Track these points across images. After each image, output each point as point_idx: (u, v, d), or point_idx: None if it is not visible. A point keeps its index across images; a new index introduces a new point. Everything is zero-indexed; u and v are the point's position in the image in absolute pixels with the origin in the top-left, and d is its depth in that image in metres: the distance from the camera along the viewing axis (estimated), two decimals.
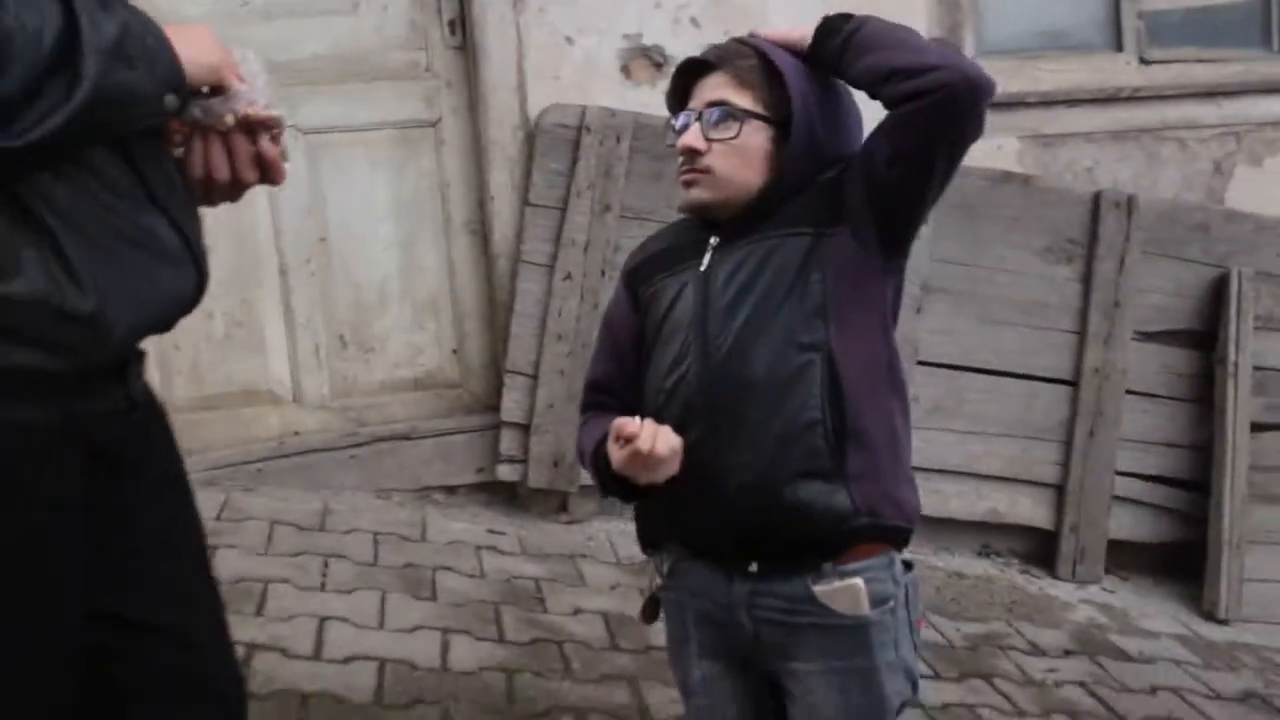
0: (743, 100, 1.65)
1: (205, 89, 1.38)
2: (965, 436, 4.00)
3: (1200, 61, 4.55)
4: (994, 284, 4.06)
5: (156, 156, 1.39)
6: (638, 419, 1.56)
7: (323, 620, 2.91)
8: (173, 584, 1.49)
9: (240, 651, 2.44)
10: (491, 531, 3.66)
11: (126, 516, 1.41)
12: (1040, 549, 4.18)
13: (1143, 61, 4.48)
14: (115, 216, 1.31)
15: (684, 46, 3.83)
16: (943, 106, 1.55)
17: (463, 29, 3.84)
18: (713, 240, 1.68)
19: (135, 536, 1.43)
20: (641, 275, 1.78)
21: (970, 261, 4.04)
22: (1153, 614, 3.94)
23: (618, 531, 3.81)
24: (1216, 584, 4.01)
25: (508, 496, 3.89)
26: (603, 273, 3.72)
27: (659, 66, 3.88)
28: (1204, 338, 4.21)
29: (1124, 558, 4.23)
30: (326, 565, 3.25)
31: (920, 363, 3.96)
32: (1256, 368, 4.13)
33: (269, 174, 1.46)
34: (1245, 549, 4.05)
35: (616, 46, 3.86)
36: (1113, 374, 4.11)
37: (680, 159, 1.69)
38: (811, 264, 1.62)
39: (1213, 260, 4.21)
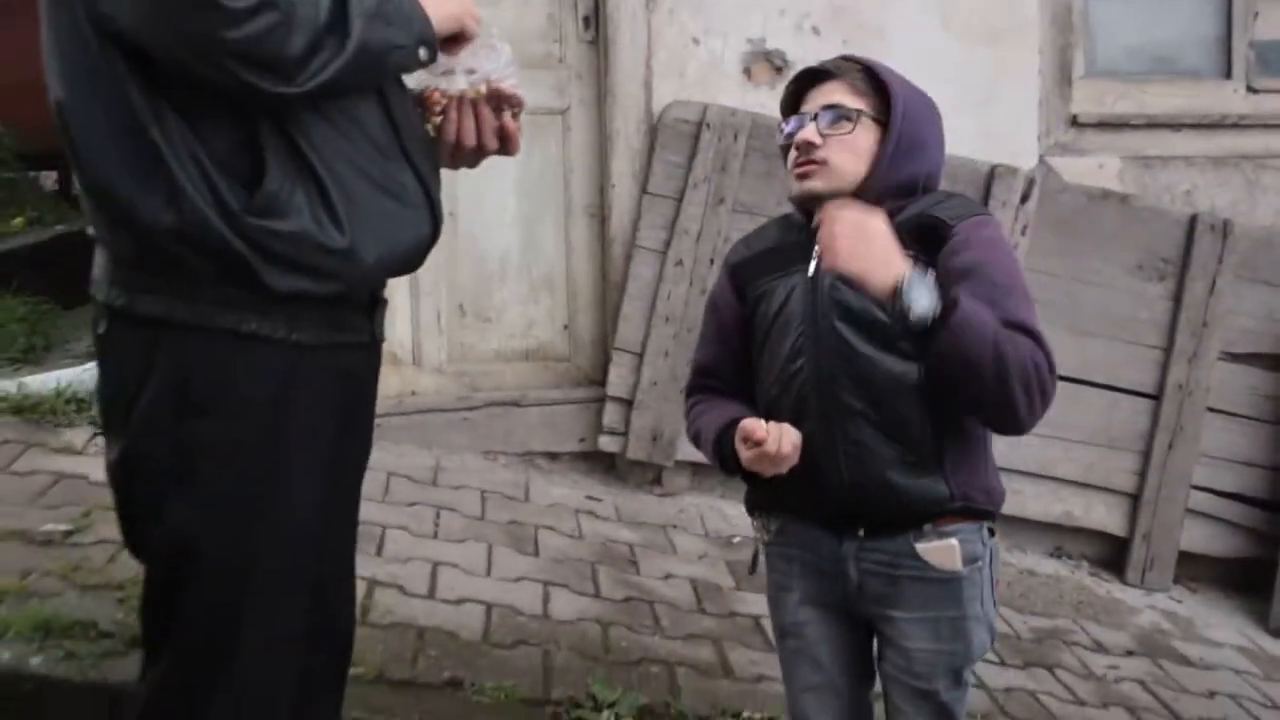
0: (855, 103, 1.87)
1: (460, 64, 1.65)
2: (1047, 440, 4.12)
3: None
4: (1085, 296, 4.20)
5: (410, 117, 1.66)
6: (763, 422, 1.77)
7: (436, 565, 3.18)
8: (354, 512, 1.76)
9: (362, 587, 2.70)
10: (590, 498, 3.91)
11: (363, 434, 1.72)
12: (1112, 554, 4.32)
13: (1250, 90, 4.58)
14: (373, 166, 1.57)
15: (804, 53, 4.04)
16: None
17: (596, 25, 4.08)
18: (818, 246, 1.86)
19: (361, 457, 1.73)
20: (749, 273, 1.99)
21: (1063, 273, 4.18)
22: (1218, 624, 4.07)
23: (707, 506, 4.05)
24: None
25: (606, 466, 4.14)
26: (712, 261, 3.94)
27: (779, 70, 4.08)
28: None
29: (1194, 569, 4.35)
30: (439, 516, 3.52)
31: None
32: None
33: (507, 145, 1.74)
34: None
35: (740, 49, 4.07)
36: (1196, 391, 4.23)
37: (795, 153, 1.89)
38: None
39: None
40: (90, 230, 1.59)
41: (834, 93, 1.88)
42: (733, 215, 3.96)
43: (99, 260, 1.60)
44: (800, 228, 1.94)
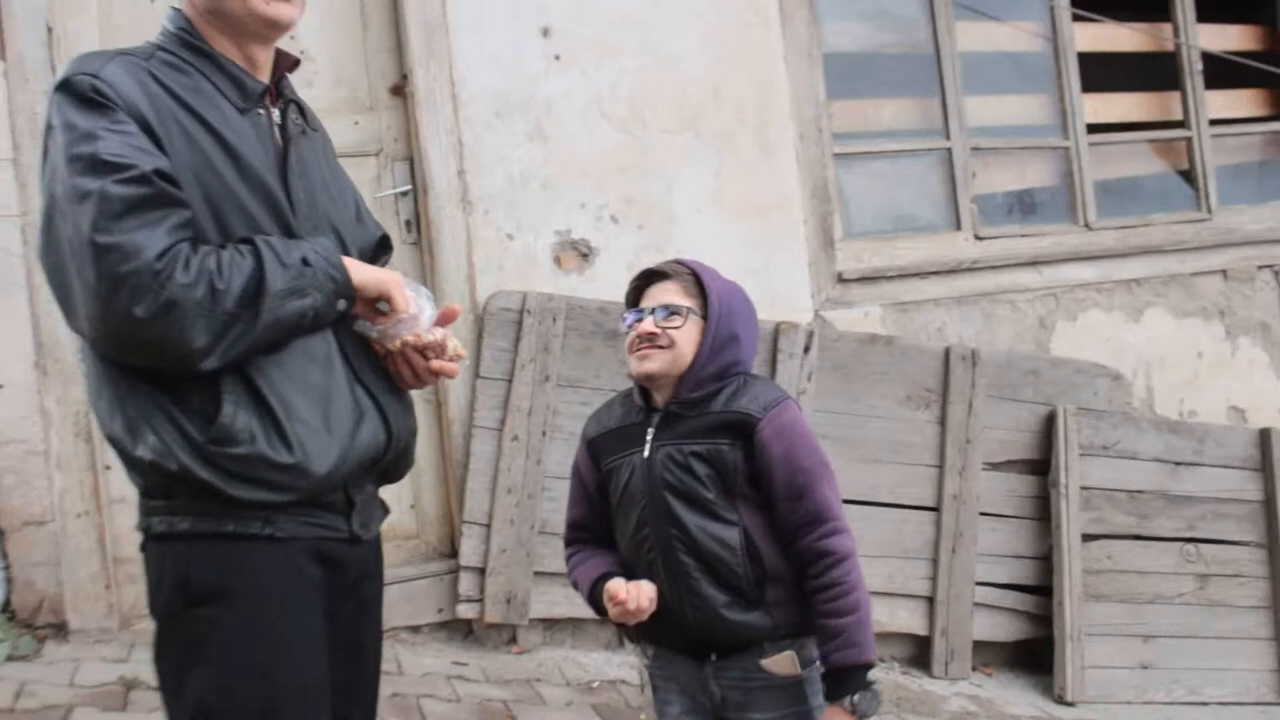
0: (685, 301, 2.33)
1: (386, 310, 2.01)
2: None
3: (1023, 236, 5.48)
4: (866, 428, 4.79)
5: (359, 342, 2.02)
6: (624, 584, 2.21)
7: None
8: (369, 687, 2.08)
9: None
10: (456, 663, 4.19)
11: (350, 616, 2.02)
12: (917, 652, 4.86)
13: (977, 238, 5.38)
14: (322, 389, 1.92)
15: (606, 239, 4.58)
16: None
17: (418, 228, 4.49)
18: (649, 431, 2.31)
19: (356, 634, 2.05)
20: (601, 449, 2.41)
21: (846, 410, 4.78)
22: (1014, 700, 4.66)
23: (562, 658, 4.39)
24: (1064, 672, 4.75)
25: (464, 632, 4.42)
26: (544, 433, 4.36)
27: (585, 256, 4.58)
28: (1040, 465, 4.97)
29: (987, 655, 4.94)
30: None
31: None
32: (1082, 487, 4.91)
33: (443, 375, 2.10)
34: (1085, 641, 4.82)
35: (550, 240, 4.54)
36: (968, 500, 4.86)
37: (636, 340, 2.31)
38: (725, 466, 2.26)
39: (1043, 400, 5.00)
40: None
41: (669, 292, 2.33)
42: (558, 389, 4.39)
43: (138, 500, 1.95)
44: (639, 409, 2.37)
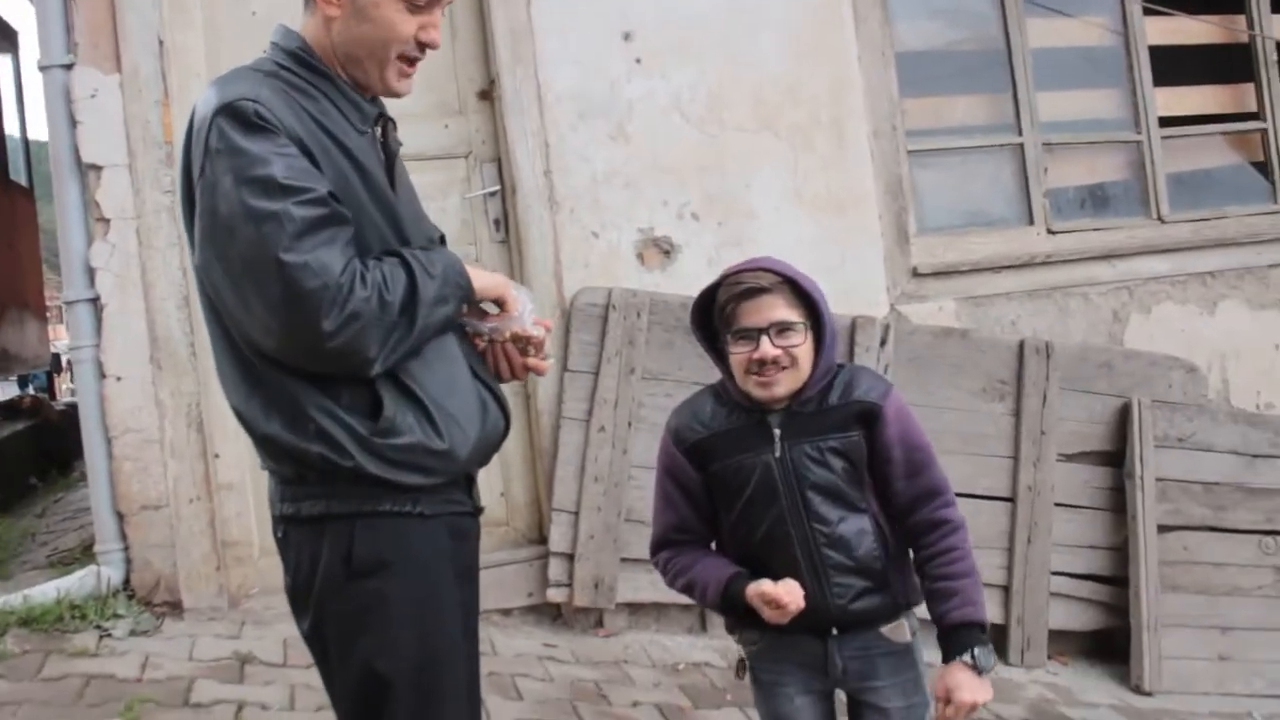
0: (795, 316, 2.33)
1: (495, 310, 2.20)
2: None
3: (1096, 230, 5.55)
4: (942, 420, 4.87)
5: (467, 338, 2.20)
6: (778, 586, 2.27)
7: None
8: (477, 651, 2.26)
9: None
10: (547, 645, 4.36)
11: (475, 580, 2.21)
12: (994, 641, 4.90)
13: (1050, 232, 5.45)
14: (456, 383, 2.09)
15: (687, 236, 4.73)
16: None
17: (506, 227, 4.67)
18: (777, 432, 2.36)
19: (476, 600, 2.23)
20: (708, 452, 2.42)
21: (921, 402, 4.85)
22: (1090, 689, 4.73)
23: (647, 641, 4.54)
24: (1141, 662, 4.81)
25: (553, 615, 4.59)
26: (629, 424, 4.52)
27: (667, 253, 4.73)
28: (1114, 456, 5.03)
29: (1063, 645, 5.00)
30: None
31: None
32: (1158, 479, 4.96)
33: (534, 372, 2.29)
34: (1161, 632, 4.88)
35: (633, 238, 4.71)
36: (1043, 490, 4.93)
37: (753, 364, 2.31)
38: (858, 456, 2.35)
39: (1117, 392, 5.06)
40: (261, 465, 2.13)
41: (776, 308, 2.29)
42: (643, 382, 4.55)
43: (269, 485, 2.13)
44: (745, 410, 2.39)
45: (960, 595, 2.30)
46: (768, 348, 2.28)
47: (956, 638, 2.30)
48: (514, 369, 2.26)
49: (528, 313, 2.22)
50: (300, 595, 2.09)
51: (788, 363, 2.30)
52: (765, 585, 2.28)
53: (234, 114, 1.94)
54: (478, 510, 2.21)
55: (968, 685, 2.26)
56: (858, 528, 2.34)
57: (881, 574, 2.35)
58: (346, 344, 1.92)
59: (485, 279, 2.19)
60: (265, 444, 2.06)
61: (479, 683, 2.28)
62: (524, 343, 2.23)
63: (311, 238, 1.89)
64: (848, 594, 2.33)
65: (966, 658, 2.27)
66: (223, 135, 1.93)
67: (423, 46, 2.12)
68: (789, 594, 2.27)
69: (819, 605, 2.33)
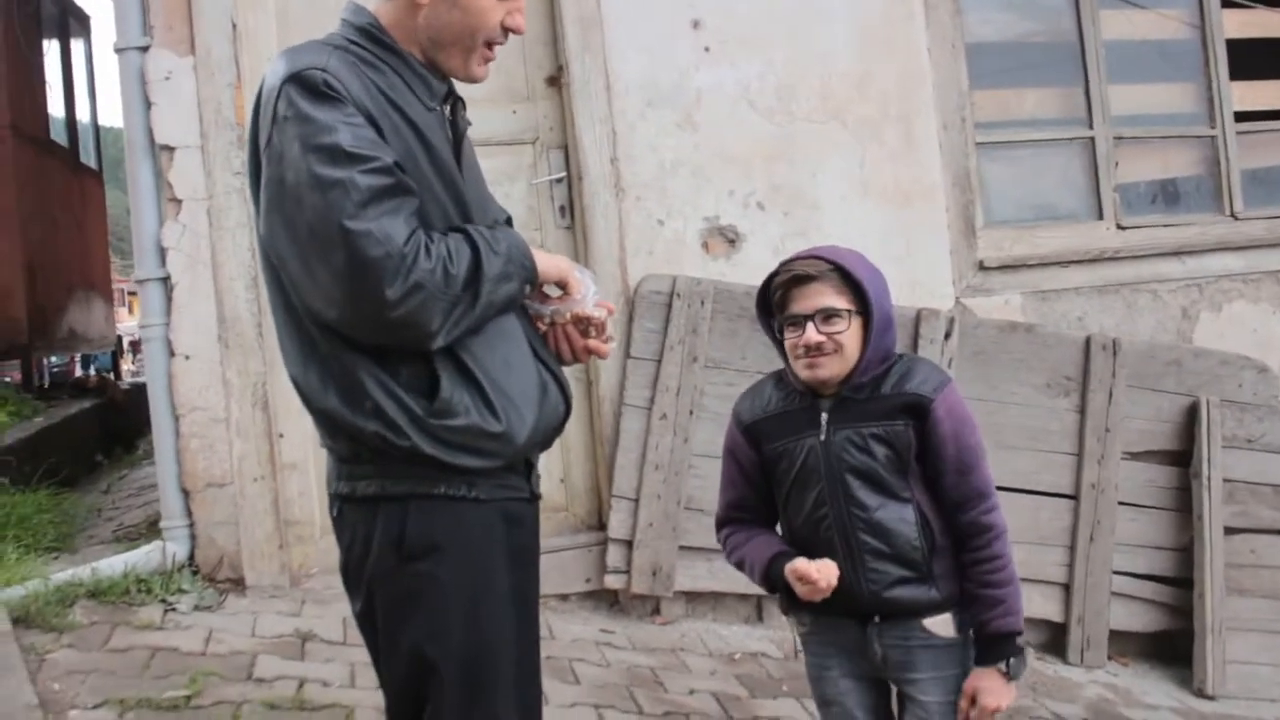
0: (841, 303, 2.35)
1: (558, 292, 2.19)
2: None
3: (1166, 226, 5.47)
4: (1005, 415, 4.84)
5: (530, 319, 2.19)
6: (812, 564, 2.30)
7: None
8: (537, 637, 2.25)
9: None
10: (604, 630, 4.37)
11: (533, 566, 2.19)
12: (1053, 638, 4.89)
13: (1119, 227, 5.38)
14: (516, 365, 2.08)
15: (752, 225, 4.72)
16: None
17: (571, 213, 4.68)
18: (824, 416, 2.39)
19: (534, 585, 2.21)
20: (762, 433, 2.48)
21: (985, 396, 4.82)
22: (1151, 691, 4.67)
23: (704, 630, 4.53)
24: (1204, 665, 4.75)
25: (610, 602, 4.60)
26: (691, 412, 4.51)
27: (732, 242, 4.72)
28: (1181, 456, 4.96)
29: (1123, 645, 4.94)
30: None
31: None
32: (1225, 480, 4.89)
33: (595, 354, 2.27)
34: (1226, 635, 4.80)
35: (698, 226, 4.71)
36: (1107, 489, 4.87)
37: (800, 348, 2.35)
38: (902, 446, 2.35)
39: (1185, 390, 4.99)
40: (320, 443, 2.12)
41: (823, 295, 2.32)
42: (705, 370, 4.54)
43: (327, 463, 2.13)
44: (800, 395, 2.43)
45: (1003, 605, 2.32)
46: (812, 333, 2.33)
47: (995, 645, 2.33)
48: (575, 351, 2.24)
49: (590, 295, 2.21)
50: (353, 575, 2.09)
51: (832, 349, 2.33)
52: (799, 562, 2.33)
53: (303, 82, 1.94)
54: (535, 496, 2.19)
55: (996, 690, 2.31)
56: (898, 515, 2.34)
57: (923, 565, 2.34)
58: (410, 314, 1.91)
59: (548, 260, 2.17)
60: (322, 418, 2.06)
61: (538, 669, 2.26)
62: (585, 324, 2.21)
63: (376, 206, 1.89)
64: (883, 580, 2.34)
65: (1002, 665, 2.31)
66: (291, 103, 1.94)
67: (508, 32, 2.11)
68: (820, 571, 2.29)
69: (853, 589, 2.35)
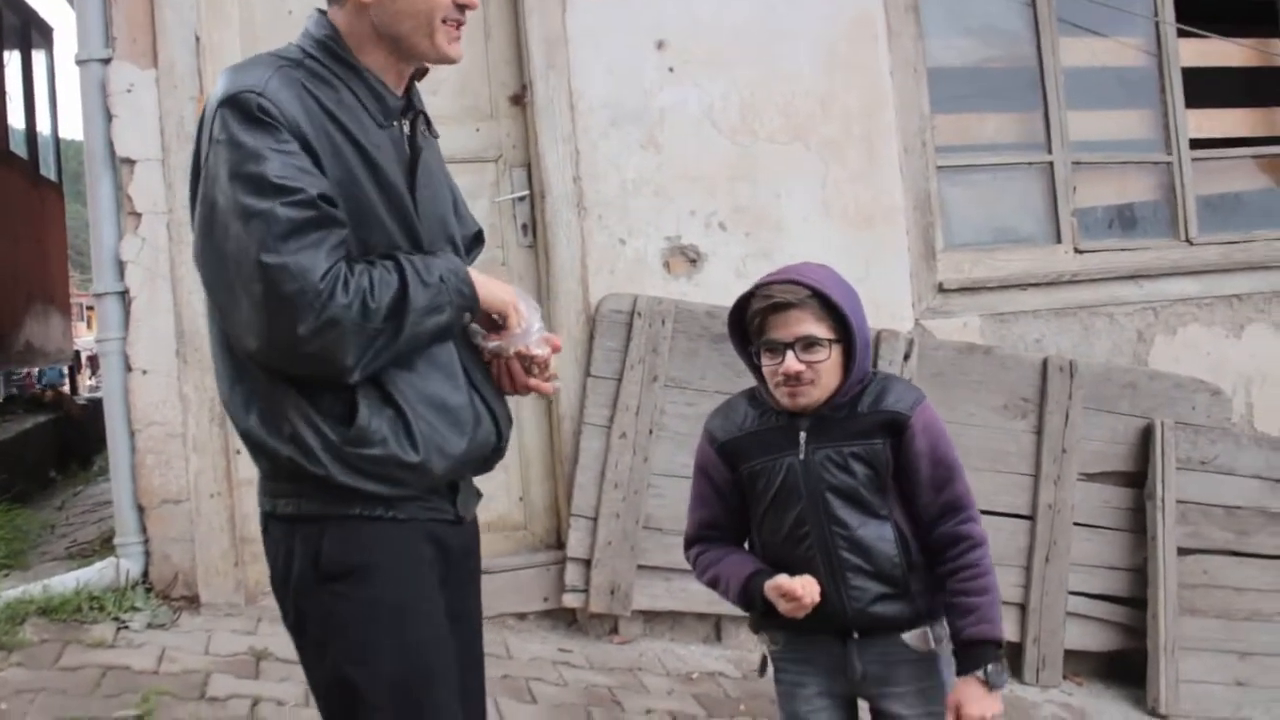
0: (822, 331, 2.35)
1: (500, 320, 2.16)
2: None
3: (1123, 250, 5.53)
4: (964, 435, 4.85)
5: (475, 354, 2.17)
6: (795, 580, 2.30)
7: None
8: (479, 657, 2.24)
9: None
10: (562, 650, 4.36)
11: (467, 586, 2.18)
12: (1009, 658, 4.92)
13: (1077, 251, 5.44)
14: (443, 396, 2.06)
15: (714, 245, 4.74)
16: None
17: (534, 232, 4.68)
18: (802, 435, 2.39)
19: (464, 607, 2.20)
20: (739, 451, 2.48)
21: (945, 418, 4.78)
22: (1105, 710, 4.71)
23: (661, 649, 4.53)
24: (1158, 685, 4.79)
25: (568, 621, 4.59)
26: (651, 432, 4.52)
27: (694, 262, 4.74)
28: (1136, 477, 5.00)
29: (1078, 665, 4.98)
30: None
31: None
32: (1179, 501, 4.94)
33: (537, 392, 2.24)
34: (1179, 655, 4.85)
35: (660, 246, 4.72)
36: (1063, 509, 4.91)
37: (779, 377, 2.36)
38: (880, 463, 2.36)
39: (1140, 413, 5.04)
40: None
41: (802, 323, 2.32)
42: (665, 389, 4.55)
43: (258, 481, 2.11)
44: (777, 414, 2.43)
45: (978, 612, 2.32)
46: (792, 363, 2.32)
47: (972, 653, 2.32)
48: (515, 384, 2.21)
49: (534, 331, 2.18)
50: (279, 591, 2.08)
51: (811, 377, 2.33)
52: (782, 579, 2.33)
53: (237, 105, 1.93)
54: (459, 519, 2.16)
55: (977, 700, 2.30)
56: (878, 533, 2.35)
57: (902, 581, 2.36)
58: (323, 349, 1.90)
59: (492, 290, 2.14)
60: (244, 438, 2.06)
61: (483, 689, 2.27)
62: (529, 361, 2.18)
63: (297, 240, 1.88)
64: (864, 597, 2.35)
65: (980, 673, 2.30)
66: (225, 125, 1.93)
67: (462, 8, 2.09)
68: (804, 588, 2.30)
69: (835, 606, 2.36)
